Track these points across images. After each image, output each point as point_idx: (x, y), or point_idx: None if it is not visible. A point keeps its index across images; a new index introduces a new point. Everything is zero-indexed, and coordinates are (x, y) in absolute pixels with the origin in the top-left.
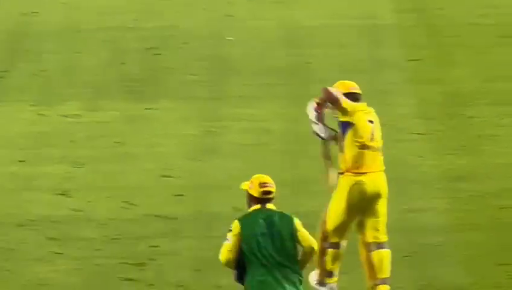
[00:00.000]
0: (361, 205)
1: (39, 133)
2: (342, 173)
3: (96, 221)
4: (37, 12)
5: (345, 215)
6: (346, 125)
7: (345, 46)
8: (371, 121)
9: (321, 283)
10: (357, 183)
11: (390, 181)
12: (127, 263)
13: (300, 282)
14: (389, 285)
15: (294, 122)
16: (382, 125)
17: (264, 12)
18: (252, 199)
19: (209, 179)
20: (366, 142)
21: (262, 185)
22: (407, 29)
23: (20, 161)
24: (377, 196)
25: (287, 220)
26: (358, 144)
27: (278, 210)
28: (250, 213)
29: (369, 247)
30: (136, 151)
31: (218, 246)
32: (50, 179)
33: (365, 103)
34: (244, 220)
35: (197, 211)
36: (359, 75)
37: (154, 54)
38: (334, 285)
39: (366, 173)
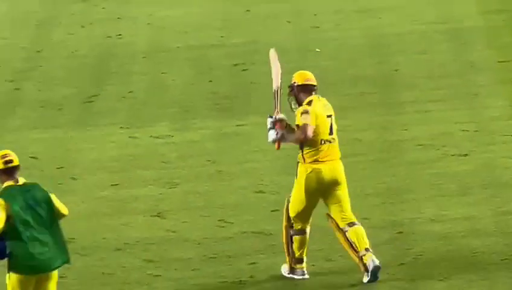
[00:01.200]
0: (320, 191)
1: (131, 156)
2: (303, 161)
3: (192, 241)
4: (122, 35)
5: (306, 202)
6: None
7: (432, 51)
8: (329, 116)
9: (292, 270)
10: (314, 171)
11: (483, 185)
12: (226, 282)
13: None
14: (371, 252)
15: (386, 131)
16: (474, 129)
17: (349, 22)
18: (1, 174)
19: None
20: (324, 138)
21: (2, 157)
22: (495, 31)
23: (113, 185)
24: (334, 183)
25: (42, 192)
26: (317, 139)
27: (32, 182)
28: (7, 188)
29: (343, 229)
30: (229, 168)
31: (317, 260)
32: (144, 201)
33: (317, 96)
34: (5, 196)
35: None
36: (448, 79)
37: (242, 70)
38: (305, 270)
39: (323, 162)
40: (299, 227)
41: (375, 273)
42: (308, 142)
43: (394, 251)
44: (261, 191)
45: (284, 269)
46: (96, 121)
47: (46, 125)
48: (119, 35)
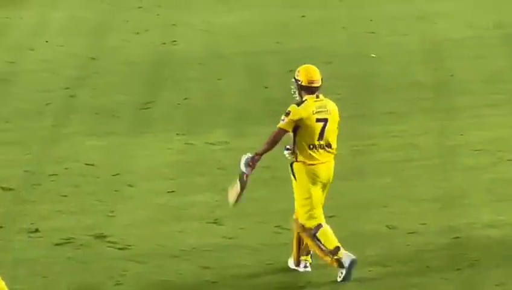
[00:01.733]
0: (319, 184)
1: (187, 162)
2: (296, 160)
3: (249, 247)
4: (177, 41)
5: (312, 194)
6: (296, 126)
7: (488, 56)
8: (321, 120)
9: (337, 262)
10: (311, 167)
11: None
12: (284, 288)
13: None
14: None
15: (442, 136)
16: None
17: (405, 27)
18: None
19: (360, 198)
20: (314, 143)
21: None
22: None
23: (169, 192)
24: (327, 182)
25: None
26: (306, 144)
27: None
28: None
29: (311, 230)
30: (284, 174)
31: (374, 266)
32: (200, 208)
33: (320, 97)
34: None
35: (350, 231)
36: (503, 84)
37: None
38: (350, 254)
39: (315, 164)
40: (315, 224)
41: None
42: (298, 145)
43: (450, 256)
44: None
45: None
46: (152, 127)
47: (101, 132)
48: (175, 41)
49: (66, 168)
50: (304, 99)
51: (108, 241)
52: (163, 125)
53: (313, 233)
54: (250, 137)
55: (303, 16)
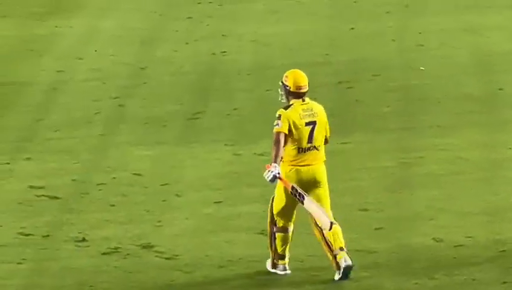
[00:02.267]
0: (304, 185)
1: (235, 173)
2: (281, 161)
3: (295, 258)
4: (227, 52)
5: (287, 199)
6: (288, 129)
7: None
8: (310, 123)
9: (274, 266)
10: (294, 170)
11: None
12: None
13: None
14: (346, 252)
15: (490, 149)
16: None
17: (454, 40)
18: None
19: (407, 211)
20: (302, 146)
21: None
22: None
23: (216, 202)
24: (314, 182)
25: None
26: (295, 147)
27: None
28: None
29: (321, 227)
30: (333, 186)
31: (420, 278)
32: (248, 219)
33: (306, 100)
34: None
35: (397, 244)
36: None
37: (347, 88)
38: (286, 266)
39: (302, 166)
40: (281, 225)
41: (346, 272)
42: (286, 150)
43: (497, 270)
44: (365, 209)
45: (268, 265)
46: (201, 137)
47: (150, 142)
48: (224, 52)
49: (114, 178)
50: (290, 103)
51: (156, 251)
52: (211, 135)
53: (274, 230)
54: None
55: (352, 28)
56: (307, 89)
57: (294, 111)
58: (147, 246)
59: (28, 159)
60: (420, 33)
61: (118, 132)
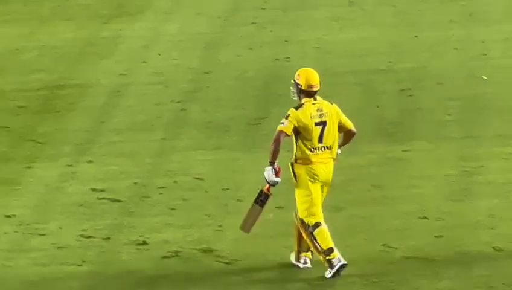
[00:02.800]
0: (319, 183)
1: None
2: (295, 161)
3: (355, 264)
4: (290, 58)
5: (312, 193)
6: (296, 130)
7: None
8: (320, 123)
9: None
10: (310, 168)
11: None
12: None
13: None
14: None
15: None
16: None
17: None
18: None
19: (468, 220)
20: (314, 146)
21: None
22: None
23: (278, 207)
24: (326, 182)
25: None
26: (306, 147)
27: None
28: None
29: (310, 227)
30: (393, 193)
31: (480, 287)
32: None
33: (318, 99)
34: None
35: (457, 251)
36: None
37: (408, 95)
38: (340, 257)
39: (314, 164)
40: (314, 222)
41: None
42: (299, 149)
43: None
44: (425, 217)
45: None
46: (262, 143)
47: (211, 147)
48: (287, 58)
49: (175, 182)
50: (302, 102)
51: (216, 256)
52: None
53: (310, 231)
54: (361, 155)
55: (415, 36)
56: (318, 88)
57: (305, 111)
58: (207, 251)
59: (90, 161)
60: (483, 42)
61: (179, 136)
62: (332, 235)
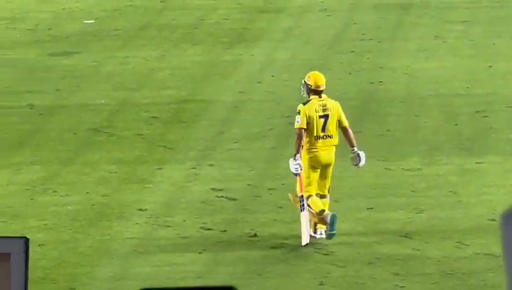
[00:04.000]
0: (318, 168)
1: (385, 185)
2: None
3: (433, 259)
4: (383, 82)
5: (311, 176)
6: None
7: None
8: (323, 116)
9: (319, 232)
10: (314, 154)
11: None
12: None
13: None
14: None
15: None
16: None
17: None
18: None
19: None
20: (317, 134)
21: None
22: None
23: (369, 208)
24: (328, 164)
25: None
26: (312, 135)
27: None
28: None
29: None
30: (468, 199)
31: None
32: (394, 223)
33: (323, 97)
34: None
35: None
36: None
37: (483, 116)
38: (323, 231)
39: (319, 151)
40: (308, 194)
41: (333, 222)
42: (306, 138)
43: None
44: (493, 219)
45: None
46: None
47: None
48: (381, 82)
49: (283, 184)
50: (310, 98)
51: (315, 248)
52: (367, 152)
53: (307, 203)
54: (440, 165)
55: (490, 66)
56: (324, 87)
57: (312, 106)
58: (309, 243)
59: (211, 165)
60: None
61: (287, 145)
62: (414, 234)
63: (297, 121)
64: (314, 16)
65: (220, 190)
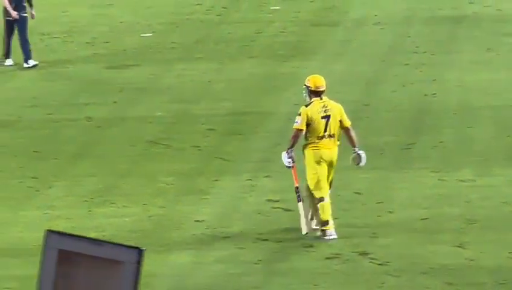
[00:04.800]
0: (324, 163)
1: (439, 195)
2: (306, 146)
3: (487, 269)
4: (436, 94)
5: (318, 170)
6: (307, 123)
7: None
8: (325, 117)
9: (324, 233)
10: (317, 151)
11: None
12: None
13: None
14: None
15: None
16: None
17: None
18: None
19: None
20: (320, 134)
21: None
22: None
23: (423, 219)
24: (330, 162)
25: None
26: (315, 135)
27: None
28: None
29: (317, 199)
30: None
31: None
32: (449, 234)
33: (324, 98)
34: None
35: None
36: None
37: None
38: (332, 230)
39: (320, 149)
40: (320, 195)
41: (327, 239)
42: (308, 138)
43: None
44: None
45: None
46: (412, 165)
47: (369, 166)
48: (434, 94)
49: (338, 195)
50: (311, 100)
51: (370, 258)
52: (421, 163)
53: (316, 202)
54: (494, 177)
55: None
56: (324, 88)
57: (314, 107)
58: (363, 253)
59: (267, 177)
60: None
61: (342, 157)
62: (468, 244)
63: (297, 122)
64: (368, 29)
65: (276, 201)
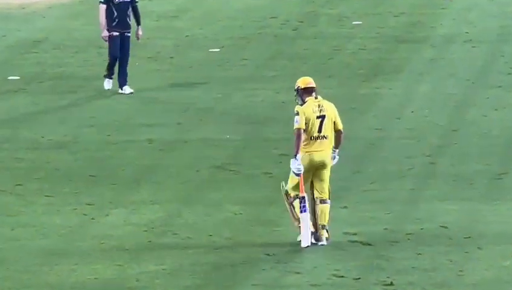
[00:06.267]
0: (311, 170)
1: None
2: None
3: None
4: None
5: (303, 175)
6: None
7: None
8: (320, 117)
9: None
10: (307, 155)
11: None
12: None
13: None
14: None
15: None
16: None
17: None
18: None
19: None
20: (314, 135)
21: None
22: None
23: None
24: (322, 165)
25: None
26: (308, 136)
27: None
28: None
29: (315, 201)
30: None
31: None
32: None
33: (317, 98)
34: None
35: None
36: None
37: None
38: (323, 237)
39: (314, 151)
40: (294, 194)
41: (320, 245)
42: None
43: None
44: None
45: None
46: (504, 196)
47: (456, 197)
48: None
49: (422, 229)
50: (305, 100)
51: None
52: None
53: (291, 201)
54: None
55: None
56: (314, 85)
57: (308, 106)
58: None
59: (345, 207)
60: None
61: (427, 187)
62: None
63: (296, 122)
64: (458, 47)
65: (354, 234)
